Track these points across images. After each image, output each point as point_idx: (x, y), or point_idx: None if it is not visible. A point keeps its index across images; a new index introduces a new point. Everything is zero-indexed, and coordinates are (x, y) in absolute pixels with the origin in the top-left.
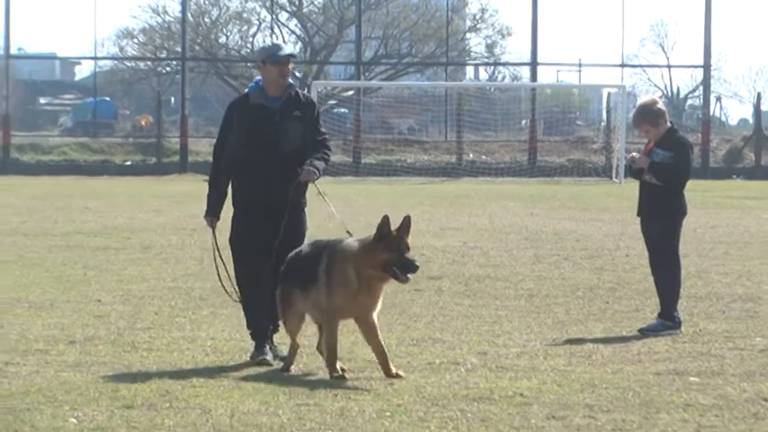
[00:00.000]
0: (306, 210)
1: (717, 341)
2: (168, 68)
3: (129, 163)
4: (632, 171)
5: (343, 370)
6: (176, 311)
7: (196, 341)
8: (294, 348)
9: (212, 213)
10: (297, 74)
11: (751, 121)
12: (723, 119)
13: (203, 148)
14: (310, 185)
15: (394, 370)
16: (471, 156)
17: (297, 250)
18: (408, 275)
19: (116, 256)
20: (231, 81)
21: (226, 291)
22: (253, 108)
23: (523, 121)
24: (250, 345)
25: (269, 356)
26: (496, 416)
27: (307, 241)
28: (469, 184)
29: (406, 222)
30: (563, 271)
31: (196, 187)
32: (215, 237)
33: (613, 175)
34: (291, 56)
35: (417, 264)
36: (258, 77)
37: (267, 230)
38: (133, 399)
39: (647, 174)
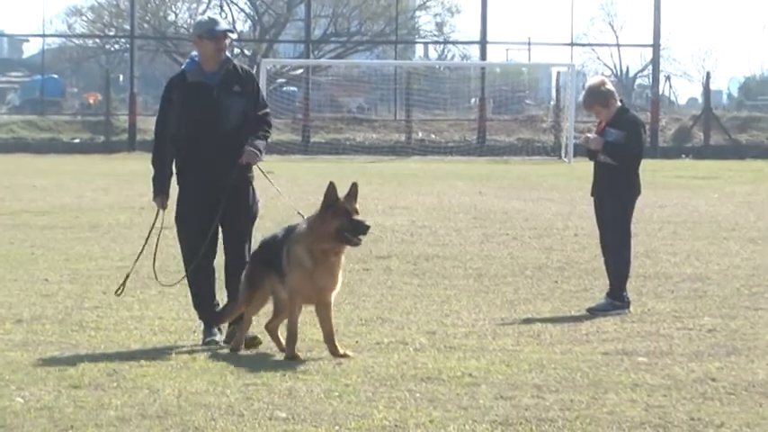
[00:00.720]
0: (254, 185)
1: (665, 321)
2: (117, 46)
3: (77, 141)
4: (587, 150)
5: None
6: (124, 291)
7: (144, 320)
8: (246, 326)
9: (160, 193)
10: (246, 52)
11: (700, 100)
12: (672, 98)
13: (152, 126)
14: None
15: (341, 350)
16: (420, 134)
17: (272, 234)
18: (360, 237)
19: (63, 234)
20: (180, 59)
21: (156, 276)
22: (191, 86)
23: (473, 100)
24: (197, 324)
25: (217, 337)
26: (445, 396)
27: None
28: (418, 162)
29: (353, 190)
30: (511, 250)
31: (145, 166)
32: (157, 217)
33: (562, 155)
34: (229, 31)
35: (368, 224)
36: (194, 53)
37: (212, 210)
38: (80, 378)
39: (602, 154)
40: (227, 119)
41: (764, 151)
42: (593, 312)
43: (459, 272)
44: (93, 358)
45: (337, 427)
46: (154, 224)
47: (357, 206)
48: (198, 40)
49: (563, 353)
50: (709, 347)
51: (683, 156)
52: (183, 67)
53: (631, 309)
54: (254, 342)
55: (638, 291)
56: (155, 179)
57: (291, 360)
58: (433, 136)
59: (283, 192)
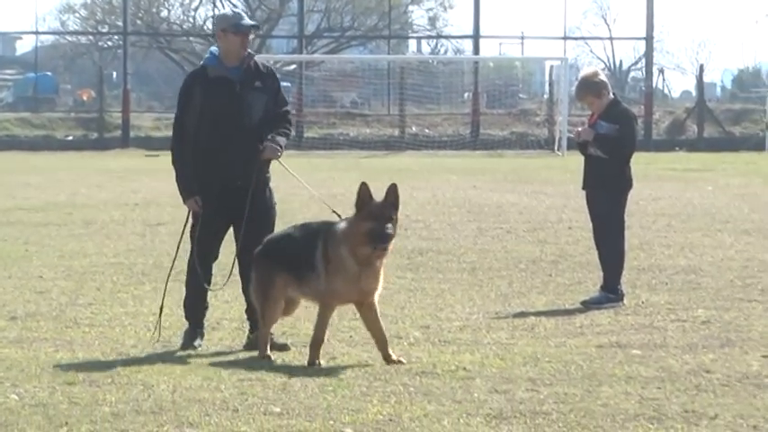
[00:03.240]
0: (272, 185)
1: (659, 313)
2: (110, 43)
3: (70, 138)
4: (578, 144)
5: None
6: (118, 287)
7: (138, 317)
8: (265, 336)
9: (191, 193)
10: None
11: (694, 93)
12: (666, 91)
13: (145, 122)
14: (274, 162)
15: (395, 356)
16: (414, 129)
17: (282, 233)
18: (379, 246)
19: (57, 231)
20: (173, 55)
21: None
22: (212, 81)
23: (466, 95)
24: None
25: (197, 342)
26: (439, 390)
27: (286, 224)
28: (412, 157)
29: (393, 190)
30: (506, 244)
31: (138, 162)
32: (188, 221)
33: (556, 148)
34: (255, 27)
35: (389, 232)
36: (213, 48)
37: (230, 211)
38: (75, 375)
39: (592, 146)
40: (249, 115)
41: (758, 143)
42: (588, 305)
43: (454, 266)
44: (88, 355)
45: (332, 422)
46: (185, 228)
47: (392, 209)
48: (222, 34)
49: (557, 346)
50: (703, 339)
51: (677, 148)
52: (201, 62)
53: (625, 301)
54: (283, 348)
55: (632, 283)
56: (180, 180)
57: (311, 366)
58: (427, 130)
59: (311, 189)
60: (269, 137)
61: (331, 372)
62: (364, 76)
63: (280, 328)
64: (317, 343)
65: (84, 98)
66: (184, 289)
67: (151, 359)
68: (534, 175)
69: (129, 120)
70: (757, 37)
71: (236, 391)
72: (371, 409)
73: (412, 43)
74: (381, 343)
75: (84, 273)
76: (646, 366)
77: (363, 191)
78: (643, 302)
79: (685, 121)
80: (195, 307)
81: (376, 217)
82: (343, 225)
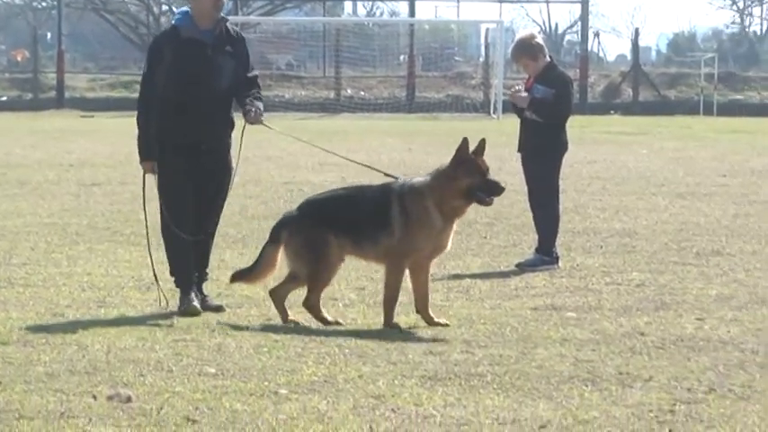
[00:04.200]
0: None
1: (594, 276)
2: (44, 3)
3: (4, 98)
4: (513, 106)
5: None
6: (52, 247)
7: (72, 277)
8: (317, 302)
9: (150, 156)
10: (174, 9)
11: (629, 56)
12: (601, 54)
13: (80, 83)
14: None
15: (436, 318)
16: (349, 91)
17: (328, 195)
18: (493, 198)
19: None
20: (108, 17)
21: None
22: (184, 42)
23: (402, 57)
24: (174, 291)
25: (196, 302)
26: (374, 351)
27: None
28: (347, 119)
29: (482, 145)
30: None
31: (73, 123)
32: (146, 184)
33: (491, 111)
34: None
35: (503, 185)
36: (184, 8)
37: (199, 175)
38: (9, 335)
39: (528, 110)
40: (219, 78)
41: (693, 107)
42: (523, 268)
43: None
44: (22, 315)
45: (266, 383)
46: (144, 192)
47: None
48: None
49: (492, 308)
50: (637, 302)
51: (612, 112)
52: (173, 21)
53: (560, 264)
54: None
55: (566, 246)
56: (141, 141)
57: (392, 328)
58: (363, 93)
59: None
60: (248, 101)
61: (266, 333)
62: (300, 39)
63: (215, 290)
64: (391, 302)
65: (19, 59)
66: (166, 257)
67: (85, 320)
68: (470, 138)
69: (64, 80)
70: (693, 1)
71: (170, 351)
72: (306, 370)
73: (348, 5)
74: (424, 304)
75: (17, 233)
76: (580, 329)
77: (464, 146)
78: (578, 265)
79: (620, 85)
80: (182, 270)
81: (480, 171)
82: (425, 180)
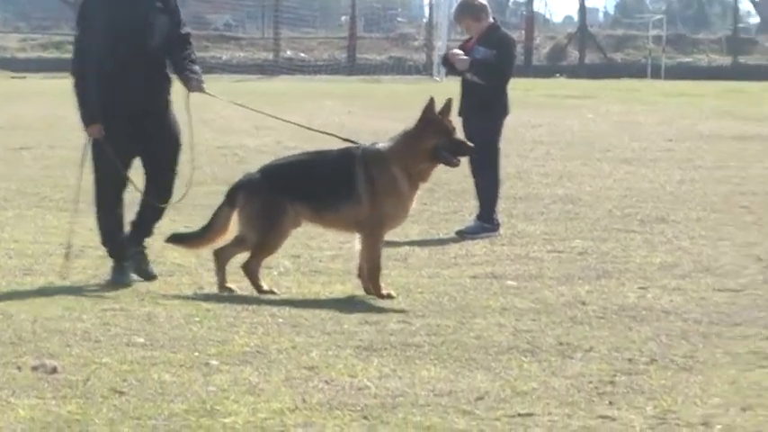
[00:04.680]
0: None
1: (535, 244)
2: None
3: None
4: (450, 67)
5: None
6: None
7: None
8: (258, 268)
9: (94, 119)
10: None
11: (576, 18)
12: (547, 16)
13: (11, 43)
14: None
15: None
16: (289, 53)
17: (287, 160)
18: (459, 159)
19: None
20: None
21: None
22: (114, 0)
23: (343, 18)
24: (106, 259)
25: (128, 274)
26: (308, 321)
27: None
28: (287, 81)
29: (449, 105)
30: None
31: (2, 84)
32: (87, 150)
33: (434, 73)
34: None
35: (470, 145)
36: None
37: (137, 137)
38: None
39: (469, 72)
40: (152, 36)
41: (640, 70)
42: (462, 235)
43: None
44: None
45: (197, 354)
46: (83, 158)
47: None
48: None
49: (430, 276)
50: (579, 270)
51: (558, 75)
52: None
53: (501, 231)
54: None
55: (508, 213)
56: (83, 106)
57: (387, 297)
58: (302, 54)
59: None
60: (186, 67)
61: (197, 302)
62: None
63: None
64: (377, 274)
65: None
66: (97, 226)
67: (11, 288)
68: (411, 101)
69: None
70: None
71: (98, 321)
72: (238, 340)
73: None
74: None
75: None
76: (521, 298)
77: (430, 106)
78: (519, 232)
79: (566, 47)
80: (114, 240)
81: (446, 131)
82: (389, 144)
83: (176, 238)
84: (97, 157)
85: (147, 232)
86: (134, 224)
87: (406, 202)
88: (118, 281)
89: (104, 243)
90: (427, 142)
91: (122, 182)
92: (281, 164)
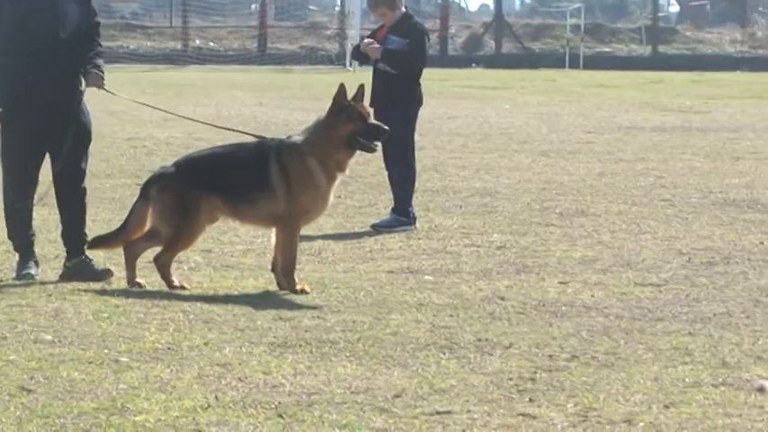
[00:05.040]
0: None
1: (453, 237)
2: None
3: None
4: (360, 56)
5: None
6: None
7: None
8: (169, 262)
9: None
10: None
11: (492, 6)
12: (463, 5)
13: None
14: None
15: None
16: (198, 42)
17: (202, 153)
18: (376, 144)
19: None
20: None
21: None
22: None
23: (253, 6)
24: (11, 254)
25: (33, 270)
26: (221, 317)
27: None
28: (196, 72)
29: (361, 90)
30: None
31: None
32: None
33: (347, 63)
34: None
35: (385, 128)
36: None
37: (46, 131)
38: None
39: (381, 62)
40: (64, 25)
41: (558, 60)
42: (378, 229)
43: None
44: None
45: (106, 351)
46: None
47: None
48: None
49: (345, 271)
50: (497, 265)
51: (474, 65)
52: None
53: (417, 225)
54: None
55: (424, 206)
56: None
57: (302, 293)
58: (212, 44)
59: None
60: (90, 62)
61: (106, 297)
62: None
63: (53, 252)
64: (291, 269)
65: None
66: (4, 220)
67: None
68: (324, 92)
69: None
70: None
71: (4, 317)
72: (149, 337)
73: None
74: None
75: None
76: (438, 293)
77: (341, 93)
78: (436, 226)
79: (483, 37)
80: (20, 235)
81: (361, 117)
82: (303, 136)
83: (96, 242)
84: (6, 150)
85: (81, 240)
86: (63, 235)
87: (324, 195)
88: (23, 273)
89: (9, 237)
90: (342, 130)
91: (32, 176)
92: (195, 157)
